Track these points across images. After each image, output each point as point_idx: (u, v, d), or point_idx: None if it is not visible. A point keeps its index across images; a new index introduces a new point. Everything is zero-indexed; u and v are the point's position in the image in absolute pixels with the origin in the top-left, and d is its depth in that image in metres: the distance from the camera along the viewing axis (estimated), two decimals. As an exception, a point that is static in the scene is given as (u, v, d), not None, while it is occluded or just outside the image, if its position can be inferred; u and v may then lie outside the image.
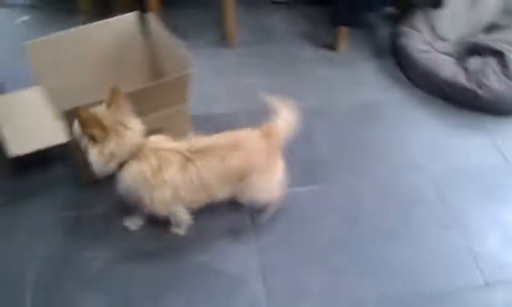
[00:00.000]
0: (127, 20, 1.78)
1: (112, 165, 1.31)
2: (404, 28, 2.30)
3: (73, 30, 1.70)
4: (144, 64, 1.89)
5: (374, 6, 2.14)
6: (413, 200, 1.71)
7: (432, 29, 2.27)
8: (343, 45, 2.33)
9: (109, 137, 1.27)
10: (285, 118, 1.47)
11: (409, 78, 2.22)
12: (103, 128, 1.26)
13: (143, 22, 1.81)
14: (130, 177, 1.33)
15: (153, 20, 1.76)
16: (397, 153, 1.88)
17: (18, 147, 1.60)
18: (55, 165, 1.72)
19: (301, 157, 1.82)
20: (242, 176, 1.42)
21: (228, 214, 1.61)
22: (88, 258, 1.47)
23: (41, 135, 1.65)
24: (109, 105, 1.30)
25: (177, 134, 1.70)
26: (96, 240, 1.52)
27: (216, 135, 1.43)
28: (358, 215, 1.64)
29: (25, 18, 2.43)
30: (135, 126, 1.34)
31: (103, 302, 1.37)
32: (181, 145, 1.39)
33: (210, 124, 1.87)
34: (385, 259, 1.52)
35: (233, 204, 1.58)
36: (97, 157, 1.28)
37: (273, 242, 1.55)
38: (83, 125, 1.25)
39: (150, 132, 1.64)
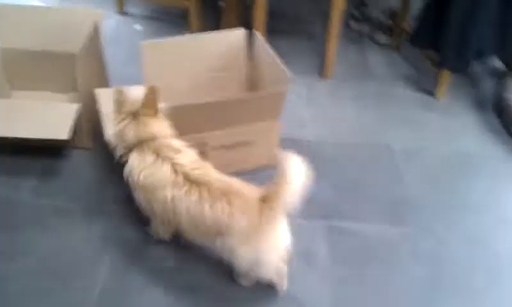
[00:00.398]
0: (235, 35, 1.87)
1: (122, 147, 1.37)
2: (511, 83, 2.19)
3: (186, 37, 1.81)
4: (244, 77, 1.95)
5: (482, 53, 2.05)
6: (505, 260, 1.57)
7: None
8: (443, 91, 2.26)
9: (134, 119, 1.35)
10: (293, 182, 1.20)
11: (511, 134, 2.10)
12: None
13: (249, 39, 1.88)
14: (127, 167, 1.37)
15: (259, 38, 1.83)
16: (490, 207, 1.77)
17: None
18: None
19: (390, 196, 1.77)
20: (217, 232, 1.27)
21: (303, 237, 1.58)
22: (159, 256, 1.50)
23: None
24: (146, 98, 1.35)
25: (265, 150, 1.75)
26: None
27: (222, 175, 1.33)
28: (442, 269, 1.54)
29: (139, 27, 2.63)
30: (157, 125, 1.37)
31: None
32: (185, 164, 1.32)
33: (296, 148, 1.87)
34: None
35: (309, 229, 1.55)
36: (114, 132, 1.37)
37: (348, 274, 1.50)
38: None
39: (241, 143, 1.70)
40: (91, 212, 1.60)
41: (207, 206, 1.25)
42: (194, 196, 1.26)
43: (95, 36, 1.83)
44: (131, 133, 1.35)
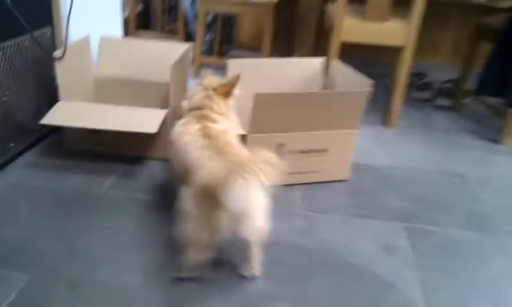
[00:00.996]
0: (314, 62, 2.06)
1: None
2: None
3: (268, 59, 2.01)
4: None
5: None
6: None
7: None
8: (508, 137, 2.29)
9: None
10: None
11: None
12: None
13: (326, 66, 2.06)
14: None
15: (335, 63, 2.00)
16: None
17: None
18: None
19: (465, 209, 1.78)
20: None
21: (382, 235, 1.58)
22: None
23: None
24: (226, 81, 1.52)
25: (338, 162, 1.80)
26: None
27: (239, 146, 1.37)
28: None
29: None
30: (218, 101, 1.49)
31: None
32: (213, 128, 1.39)
33: (368, 171, 1.95)
34: None
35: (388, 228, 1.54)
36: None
37: (431, 262, 1.47)
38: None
39: (316, 150, 1.77)
40: (166, 202, 1.64)
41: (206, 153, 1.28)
42: (200, 143, 1.33)
43: (185, 58, 2.05)
44: (194, 100, 1.51)
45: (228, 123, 1.49)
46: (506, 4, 2.61)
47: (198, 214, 1.19)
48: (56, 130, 1.98)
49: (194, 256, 1.25)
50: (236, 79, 1.52)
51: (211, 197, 1.13)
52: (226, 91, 1.51)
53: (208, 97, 1.49)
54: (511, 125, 2.29)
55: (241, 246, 1.31)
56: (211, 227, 1.18)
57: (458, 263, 1.47)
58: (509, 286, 1.39)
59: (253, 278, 1.34)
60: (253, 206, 1.19)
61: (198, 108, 1.48)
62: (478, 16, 2.59)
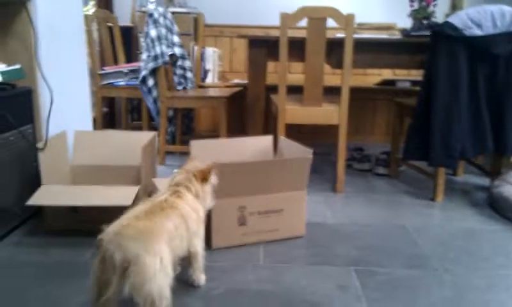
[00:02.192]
0: (265, 140, 2.39)
1: None
2: (499, 182, 2.61)
3: (228, 139, 2.32)
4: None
5: (464, 153, 2.52)
6: None
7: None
8: (439, 194, 2.66)
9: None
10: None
11: (506, 218, 2.42)
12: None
13: (275, 142, 2.39)
14: None
15: (283, 139, 2.33)
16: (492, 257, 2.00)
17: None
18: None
19: (407, 253, 2.04)
20: None
21: (334, 278, 1.82)
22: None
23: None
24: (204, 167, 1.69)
25: (293, 221, 2.07)
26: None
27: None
28: (462, 294, 1.74)
29: (176, 170, 3.15)
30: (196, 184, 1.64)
31: None
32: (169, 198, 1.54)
33: (320, 228, 2.23)
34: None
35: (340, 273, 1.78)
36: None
37: (380, 296, 1.70)
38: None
39: (273, 211, 2.04)
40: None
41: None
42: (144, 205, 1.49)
43: (152, 142, 2.33)
44: (174, 179, 1.64)
45: (198, 203, 1.62)
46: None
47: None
48: (37, 213, 2.17)
49: None
50: (211, 166, 1.67)
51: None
52: (203, 177, 1.65)
53: (188, 179, 1.62)
54: (440, 183, 2.66)
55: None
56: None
57: (402, 295, 1.70)
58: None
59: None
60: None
61: (176, 185, 1.60)
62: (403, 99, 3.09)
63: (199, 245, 1.63)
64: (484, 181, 3.05)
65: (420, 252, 2.03)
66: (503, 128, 2.50)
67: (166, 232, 1.40)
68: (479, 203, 2.67)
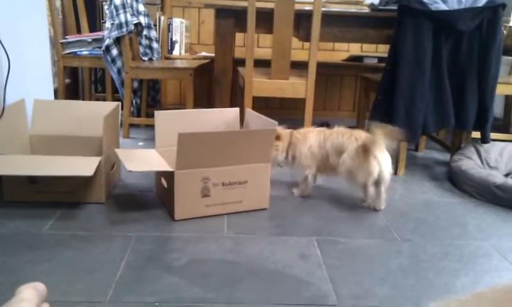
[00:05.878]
0: (231, 112, 2.37)
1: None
2: (458, 156, 2.69)
3: (191, 110, 2.29)
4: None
5: (427, 128, 2.58)
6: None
7: (482, 161, 2.64)
8: (402, 170, 2.71)
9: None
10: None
11: (464, 191, 2.50)
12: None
13: (242, 114, 2.38)
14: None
15: (250, 112, 2.32)
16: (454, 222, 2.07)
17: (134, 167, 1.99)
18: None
19: (370, 222, 2.06)
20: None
21: (296, 247, 1.84)
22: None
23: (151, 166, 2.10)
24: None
25: (257, 193, 2.08)
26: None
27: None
28: (419, 260, 1.79)
29: (141, 143, 3.12)
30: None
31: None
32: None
33: (284, 200, 2.25)
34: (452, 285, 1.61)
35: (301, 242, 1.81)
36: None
37: (339, 263, 1.74)
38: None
39: (237, 183, 2.04)
40: (106, 236, 1.82)
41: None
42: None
43: (115, 112, 2.28)
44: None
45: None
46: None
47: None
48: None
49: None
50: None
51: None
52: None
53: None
54: (402, 158, 2.72)
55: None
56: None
57: (361, 263, 1.74)
58: (404, 278, 1.66)
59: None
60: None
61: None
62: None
63: None
64: (445, 156, 3.15)
65: (381, 224, 2.08)
66: (464, 104, 2.57)
67: None
68: (439, 177, 2.76)
